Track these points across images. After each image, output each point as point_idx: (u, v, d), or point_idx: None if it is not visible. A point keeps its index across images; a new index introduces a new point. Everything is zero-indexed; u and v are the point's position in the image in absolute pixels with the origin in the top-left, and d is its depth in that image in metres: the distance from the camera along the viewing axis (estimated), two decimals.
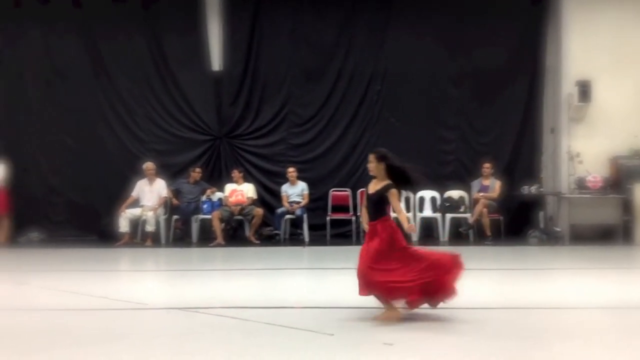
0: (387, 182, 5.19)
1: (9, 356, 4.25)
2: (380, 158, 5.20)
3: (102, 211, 11.31)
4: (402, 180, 5.23)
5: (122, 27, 11.44)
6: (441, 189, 11.31)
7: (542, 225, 11.03)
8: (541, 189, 11.17)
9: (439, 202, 11.29)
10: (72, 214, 11.54)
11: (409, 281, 5.07)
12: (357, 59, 11.59)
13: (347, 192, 11.44)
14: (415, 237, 11.06)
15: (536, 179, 11.31)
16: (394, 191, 5.14)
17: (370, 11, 11.57)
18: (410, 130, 11.53)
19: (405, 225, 5.17)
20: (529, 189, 10.99)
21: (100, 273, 7.97)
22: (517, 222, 11.12)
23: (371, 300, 6.01)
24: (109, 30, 11.44)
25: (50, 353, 4.35)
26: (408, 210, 11.26)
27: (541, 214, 11.15)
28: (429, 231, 11.23)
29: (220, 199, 11.11)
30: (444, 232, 11.04)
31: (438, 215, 11.17)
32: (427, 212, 11.30)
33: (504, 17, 11.47)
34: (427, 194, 11.33)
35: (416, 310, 5.33)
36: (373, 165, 5.22)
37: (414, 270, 5.11)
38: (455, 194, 11.33)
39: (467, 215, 11.00)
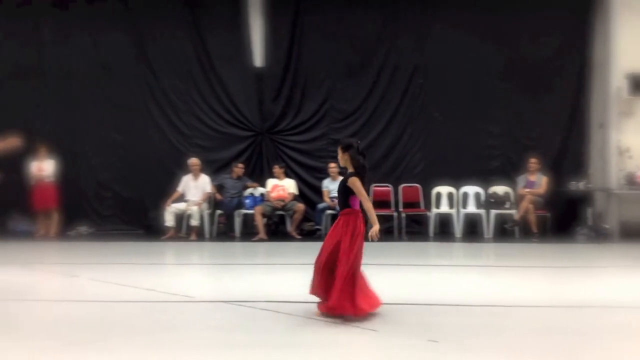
0: (349, 171, 5.08)
1: (64, 346, 4.40)
2: (345, 148, 5.10)
3: (149, 205, 11.57)
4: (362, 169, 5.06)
5: (167, 24, 11.64)
6: (486, 185, 11.14)
7: (590, 222, 10.75)
8: (589, 185, 10.87)
9: (483, 197, 11.12)
10: (119, 208, 11.84)
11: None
12: (399, 53, 11.50)
13: (389, 187, 11.38)
14: (458, 233, 10.96)
15: (584, 175, 11.01)
16: (353, 179, 5.01)
17: (413, 4, 11.46)
18: (454, 125, 11.38)
19: (374, 224, 5.03)
20: (577, 185, 10.73)
21: (147, 266, 8.15)
22: (565, 219, 10.87)
23: (416, 297, 5.99)
24: (155, 28, 11.66)
25: (104, 343, 4.48)
26: (451, 206, 11.14)
27: (589, 211, 10.86)
28: (472, 228, 11.08)
29: (262, 194, 11.20)
30: (488, 229, 10.87)
31: (482, 211, 11.00)
32: (471, 208, 11.15)
33: (550, 8, 11.18)
34: (471, 189, 11.18)
35: (461, 307, 5.29)
36: (339, 156, 5.16)
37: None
38: (500, 189, 11.14)
39: (513, 211, 10.80)
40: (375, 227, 4.99)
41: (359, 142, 5.15)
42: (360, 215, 5.11)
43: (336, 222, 5.26)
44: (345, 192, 5.08)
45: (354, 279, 5.07)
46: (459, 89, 11.38)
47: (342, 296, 4.94)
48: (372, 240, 5.00)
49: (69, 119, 11.79)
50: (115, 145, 11.83)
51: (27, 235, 11.07)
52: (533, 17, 11.18)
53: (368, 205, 5.05)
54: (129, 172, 11.82)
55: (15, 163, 10.78)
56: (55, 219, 11.16)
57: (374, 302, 5.18)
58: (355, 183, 5.00)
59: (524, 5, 11.16)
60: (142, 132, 11.77)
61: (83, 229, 11.39)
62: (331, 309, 4.98)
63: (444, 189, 11.24)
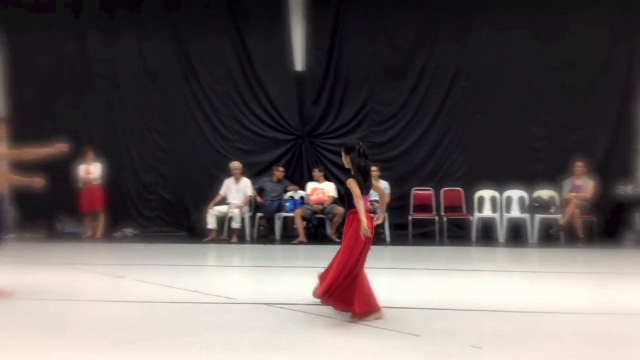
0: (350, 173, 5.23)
1: (109, 345, 4.50)
2: (347, 150, 5.26)
3: (191, 208, 11.76)
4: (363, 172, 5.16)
5: (210, 29, 11.81)
6: (530, 189, 10.92)
7: (638, 226, 10.41)
8: (638, 189, 10.53)
9: (527, 202, 10.90)
10: (163, 210, 12.07)
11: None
12: (440, 55, 11.39)
13: (430, 191, 11.27)
14: (502, 238, 10.77)
15: (632, 178, 10.68)
16: (349, 180, 5.15)
17: (454, 5, 11.33)
18: (497, 127, 11.20)
19: (363, 224, 4.97)
20: (625, 189, 10.42)
21: (190, 268, 8.28)
22: (612, 224, 10.57)
23: (458, 302, 5.92)
24: (197, 33, 11.85)
25: (149, 343, 4.57)
26: (494, 210, 10.96)
27: (637, 215, 10.52)
28: (516, 233, 10.87)
29: (302, 198, 11.24)
30: (532, 234, 10.65)
31: (526, 215, 10.79)
32: (515, 212, 10.94)
33: (597, 6, 10.90)
34: (515, 193, 10.98)
35: (504, 313, 5.21)
36: (343, 157, 5.34)
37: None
38: (545, 193, 10.90)
39: (558, 216, 10.55)
40: (363, 224, 4.99)
41: (361, 144, 5.29)
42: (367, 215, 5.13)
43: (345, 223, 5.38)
44: (348, 193, 5.21)
45: (354, 277, 5.12)
46: (501, 90, 11.20)
47: (335, 293, 5.09)
48: (365, 237, 5.03)
49: (115, 123, 12.08)
50: (158, 148, 12.07)
51: (74, 237, 11.38)
52: (578, 15, 10.91)
53: (358, 204, 5.09)
54: (172, 175, 12.04)
55: (63, 166, 11.14)
56: (101, 220, 11.45)
57: (370, 305, 5.17)
58: (350, 184, 5.13)
59: (568, 3, 10.91)
60: (185, 135, 11.97)
61: (128, 230, 11.65)
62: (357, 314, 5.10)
63: (486, 193, 11.06)
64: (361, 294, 5.13)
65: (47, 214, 11.91)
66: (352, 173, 5.21)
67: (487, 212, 11.01)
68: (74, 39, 12.02)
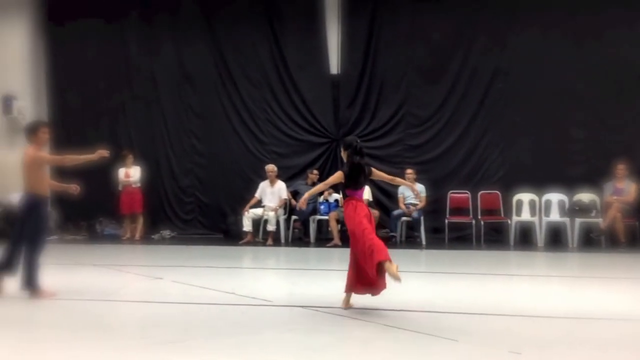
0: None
1: (148, 345, 4.58)
2: (345, 147, 5.78)
3: (227, 211, 11.89)
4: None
5: (246, 34, 11.94)
6: (570, 192, 10.67)
7: None
8: None
9: (567, 205, 10.66)
10: (199, 213, 12.25)
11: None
12: (477, 57, 11.27)
13: (467, 194, 11.13)
14: (541, 242, 10.57)
15: None
16: (338, 172, 5.78)
17: (491, 5, 11.19)
18: (536, 129, 11.01)
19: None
20: None
21: (227, 269, 8.37)
22: None
23: (496, 307, 5.83)
24: (234, 37, 12.00)
25: (187, 343, 4.64)
26: (533, 214, 10.77)
27: None
28: (556, 237, 10.64)
29: (336, 200, 11.23)
30: (572, 238, 10.41)
31: (566, 219, 10.55)
32: (554, 216, 10.72)
33: (639, 4, 10.60)
34: (555, 196, 10.75)
35: (543, 318, 5.11)
36: (341, 152, 5.88)
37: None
38: (585, 197, 10.64)
39: (599, 220, 10.30)
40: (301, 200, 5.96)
41: (358, 141, 5.74)
42: (354, 201, 5.66)
43: None
44: (342, 184, 5.78)
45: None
46: (540, 91, 11.00)
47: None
48: (300, 209, 5.87)
49: (154, 127, 12.31)
50: (195, 152, 12.25)
51: (114, 238, 11.63)
52: (619, 14, 10.64)
53: (317, 187, 6.29)
54: (209, 179, 12.20)
55: (104, 170, 11.41)
56: (140, 222, 11.67)
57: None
58: (335, 175, 5.78)
59: (609, 2, 10.64)
60: (221, 139, 12.12)
61: (166, 232, 11.85)
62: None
63: (525, 196, 10.87)
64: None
65: (88, 216, 12.23)
66: (344, 167, 5.72)
67: (525, 215, 10.82)
68: (115, 45, 12.31)
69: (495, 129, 11.29)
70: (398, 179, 6.62)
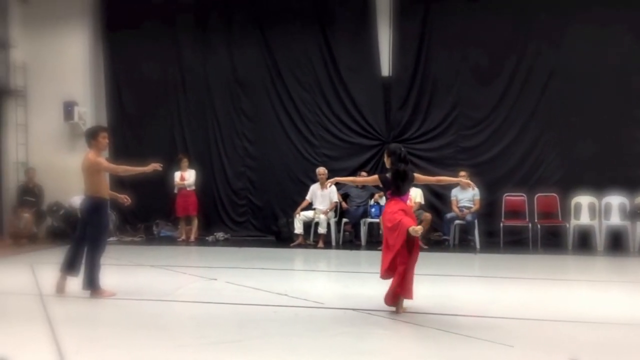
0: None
1: (203, 345, 4.67)
2: (389, 153, 5.87)
3: (279, 213, 12.00)
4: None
5: (297, 37, 12.02)
6: (631, 195, 10.24)
7: None
8: None
9: (628, 208, 10.25)
10: (252, 215, 12.39)
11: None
12: (533, 56, 10.96)
13: (523, 197, 10.85)
14: (600, 247, 10.21)
15: None
16: (374, 176, 6.13)
17: (547, 4, 10.88)
18: (594, 130, 10.62)
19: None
20: None
21: (279, 271, 8.44)
22: None
23: (553, 312, 5.67)
24: (285, 40, 12.08)
25: (241, 344, 4.71)
26: (592, 217, 10.42)
27: None
28: (616, 241, 10.24)
29: None
30: (634, 243, 10.01)
31: (627, 223, 10.16)
32: (615, 219, 10.32)
33: None
34: (615, 199, 10.35)
35: (602, 324, 4.93)
36: (385, 158, 5.96)
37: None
38: None
39: None
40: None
41: (402, 149, 5.89)
42: (390, 201, 5.78)
43: None
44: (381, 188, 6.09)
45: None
46: (599, 91, 10.62)
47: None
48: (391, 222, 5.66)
49: (207, 131, 12.55)
50: (247, 155, 12.41)
51: (169, 240, 11.92)
52: None
53: (351, 179, 7.70)
54: (261, 182, 12.33)
55: (160, 173, 11.70)
56: (195, 225, 11.91)
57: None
58: (372, 177, 6.20)
59: None
60: (273, 142, 12.24)
61: (220, 234, 12.05)
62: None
63: (584, 199, 10.52)
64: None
65: (145, 218, 12.58)
66: (387, 173, 5.84)
67: (584, 219, 10.47)
68: (170, 51, 12.61)
69: (552, 129, 10.97)
70: (443, 178, 6.69)
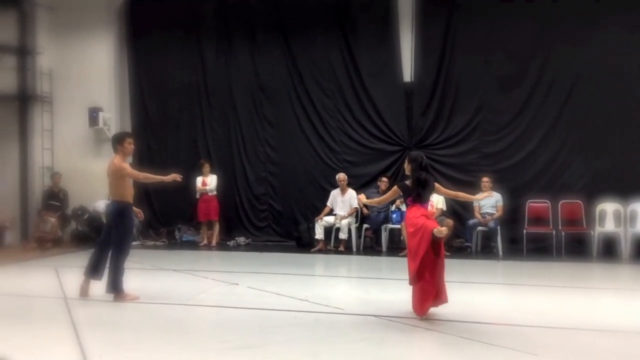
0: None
1: (225, 350, 4.69)
2: (410, 161, 5.88)
3: (300, 219, 12.02)
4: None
5: (319, 43, 12.04)
6: None
7: None
8: None
9: None
10: (273, 220, 12.42)
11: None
12: (558, 61, 10.82)
13: (546, 203, 10.72)
14: (626, 255, 10.03)
15: None
16: (393, 188, 6.06)
17: (572, 9, 10.76)
18: (621, 136, 10.46)
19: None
20: None
21: (300, 277, 8.46)
22: None
23: (577, 321, 5.59)
24: (307, 46, 12.12)
25: (263, 349, 4.72)
26: (618, 224, 10.24)
27: None
28: None
29: None
30: None
31: None
32: None
33: None
34: None
35: (628, 333, 4.83)
36: (405, 165, 5.97)
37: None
38: None
39: None
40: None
41: (424, 157, 5.89)
42: (411, 208, 5.81)
43: None
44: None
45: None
46: (626, 95, 10.46)
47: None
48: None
49: (230, 136, 12.63)
50: (269, 161, 12.46)
51: (191, 245, 12.00)
52: None
53: (374, 201, 7.36)
54: (282, 187, 12.37)
55: (183, 178, 11.81)
56: (216, 229, 11.99)
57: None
58: (391, 191, 6.10)
59: None
60: (294, 148, 12.27)
61: (241, 239, 12.10)
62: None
63: (609, 206, 10.35)
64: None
65: (167, 223, 12.70)
66: (407, 181, 5.86)
67: (609, 226, 10.29)
68: (193, 57, 12.73)
69: (576, 135, 10.82)
70: (462, 194, 6.59)
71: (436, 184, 5.96)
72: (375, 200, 7.33)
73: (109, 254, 6.65)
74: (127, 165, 6.75)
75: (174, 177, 6.82)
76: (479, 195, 7.31)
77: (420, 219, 5.60)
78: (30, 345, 4.90)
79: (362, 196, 6.86)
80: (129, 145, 6.78)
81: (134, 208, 7.03)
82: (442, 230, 5.41)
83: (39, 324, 5.75)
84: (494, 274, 9.02)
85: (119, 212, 6.62)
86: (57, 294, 6.94)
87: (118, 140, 6.81)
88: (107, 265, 6.68)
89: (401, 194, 5.96)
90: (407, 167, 5.93)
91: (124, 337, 5.26)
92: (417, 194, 5.74)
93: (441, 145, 11.51)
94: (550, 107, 10.91)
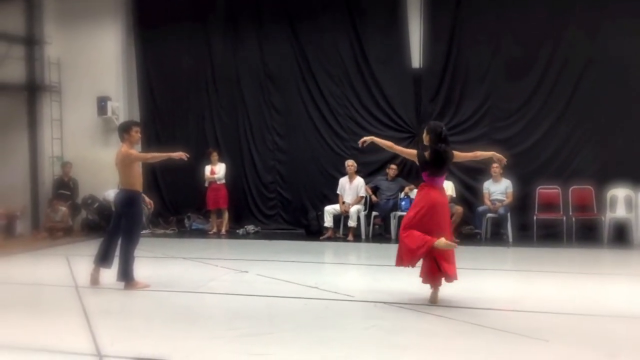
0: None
1: (235, 337, 4.69)
2: (428, 130, 5.70)
3: (309, 207, 12.02)
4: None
5: (327, 30, 11.94)
6: None
7: None
8: None
9: None
10: (282, 208, 12.43)
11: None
12: (568, 46, 10.68)
13: (557, 189, 10.64)
14: (637, 240, 9.95)
15: None
16: (413, 150, 6.01)
17: None
18: (631, 121, 10.33)
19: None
20: None
21: (309, 264, 8.45)
22: None
23: (588, 307, 5.56)
24: (315, 33, 12.03)
25: (273, 336, 4.72)
26: (629, 210, 10.13)
27: None
28: None
29: None
30: None
31: None
32: None
33: None
34: None
35: (635, 318, 4.81)
36: (424, 135, 5.77)
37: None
38: None
39: None
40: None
41: (444, 128, 5.72)
42: (427, 188, 5.67)
43: None
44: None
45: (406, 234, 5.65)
46: (635, 81, 10.31)
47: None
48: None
49: (238, 125, 12.61)
50: (277, 149, 12.43)
51: (201, 233, 12.04)
52: None
53: (387, 144, 6.22)
54: (290, 175, 12.35)
55: (191, 167, 11.83)
56: (225, 218, 12.01)
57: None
58: (410, 150, 6.07)
59: None
60: (303, 136, 12.23)
61: (250, 227, 12.12)
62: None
63: (620, 192, 10.26)
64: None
65: (176, 211, 12.75)
66: (425, 152, 5.64)
67: (620, 212, 10.21)
68: (201, 46, 12.69)
69: (587, 121, 10.71)
70: (479, 153, 6.22)
71: (454, 152, 5.74)
72: (388, 144, 6.21)
73: (119, 243, 6.68)
74: (133, 151, 6.73)
75: (180, 154, 6.78)
76: (495, 154, 6.70)
77: (423, 239, 5.46)
78: (43, 332, 4.93)
79: (372, 138, 6.26)
80: (136, 134, 6.78)
81: (145, 197, 7.04)
82: (450, 245, 5.37)
83: (51, 312, 5.79)
84: (504, 261, 8.99)
85: (128, 200, 6.63)
86: (69, 283, 6.98)
87: (125, 129, 6.80)
88: (118, 253, 6.70)
89: (417, 162, 5.78)
90: (425, 138, 5.71)
91: (135, 325, 5.29)
92: (435, 167, 5.58)
93: (450, 132, 11.15)
94: (560, 93, 10.79)
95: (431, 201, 5.59)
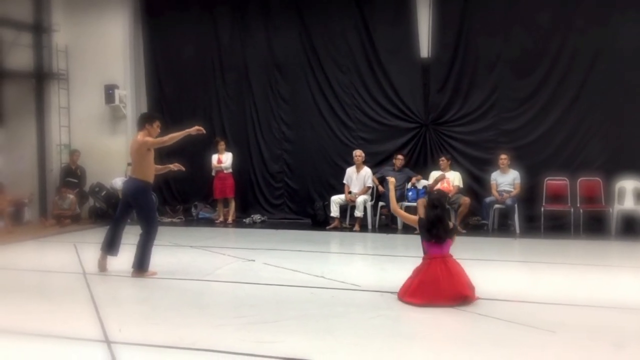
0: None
1: (242, 325, 4.72)
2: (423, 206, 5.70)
3: (315, 196, 12.02)
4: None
5: (335, 20, 11.90)
6: None
7: None
8: None
9: None
10: (288, 198, 12.44)
11: None
12: (578, 37, 10.60)
13: (565, 181, 10.59)
14: None
15: None
16: (415, 217, 5.96)
17: None
18: None
19: None
20: None
21: (315, 254, 8.46)
22: None
23: (595, 298, 5.54)
24: (323, 23, 11.98)
25: (279, 324, 4.74)
26: (638, 202, 10.09)
27: None
28: None
29: (425, 187, 11.05)
30: None
31: None
32: None
33: None
34: None
35: None
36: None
37: None
38: None
39: None
40: None
41: (433, 195, 5.92)
42: (429, 260, 5.50)
43: None
44: None
45: None
46: None
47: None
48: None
49: (245, 114, 12.60)
50: (284, 139, 12.43)
51: (208, 222, 12.07)
52: None
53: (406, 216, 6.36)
54: (297, 165, 12.34)
55: (198, 156, 11.86)
56: (232, 207, 12.04)
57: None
58: (412, 217, 6.00)
59: None
60: (310, 125, 12.21)
61: (257, 216, 12.15)
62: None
63: (628, 184, 10.20)
64: None
65: (184, 200, 12.80)
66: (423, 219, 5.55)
67: (628, 204, 10.16)
68: (209, 35, 12.67)
69: (596, 112, 10.63)
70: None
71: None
72: (393, 201, 6.50)
73: (138, 234, 6.64)
74: (149, 138, 6.67)
75: (198, 128, 6.73)
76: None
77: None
78: (51, 319, 4.97)
79: (392, 180, 6.39)
80: (158, 129, 6.75)
81: (171, 165, 7.07)
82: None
83: (59, 299, 5.83)
84: (511, 252, 8.97)
85: (138, 190, 6.60)
86: (76, 269, 7.03)
87: (148, 120, 6.74)
88: (129, 242, 6.72)
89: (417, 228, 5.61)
90: (420, 211, 5.66)
91: (142, 312, 5.32)
92: (430, 233, 5.36)
93: (458, 122, 11.38)
94: (569, 84, 10.72)
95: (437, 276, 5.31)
